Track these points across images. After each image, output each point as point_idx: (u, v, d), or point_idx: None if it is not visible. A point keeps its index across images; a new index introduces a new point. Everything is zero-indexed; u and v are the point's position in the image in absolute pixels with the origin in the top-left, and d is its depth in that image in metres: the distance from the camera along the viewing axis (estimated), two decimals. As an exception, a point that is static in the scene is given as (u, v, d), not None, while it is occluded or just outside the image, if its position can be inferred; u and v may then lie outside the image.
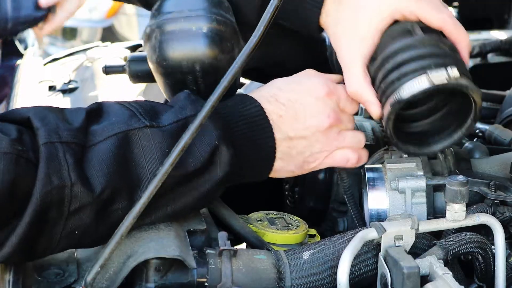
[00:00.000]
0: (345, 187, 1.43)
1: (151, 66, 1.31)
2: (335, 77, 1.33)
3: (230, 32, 1.28)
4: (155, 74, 1.32)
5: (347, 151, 1.30)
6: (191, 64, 1.26)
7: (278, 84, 1.28)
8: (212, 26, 1.26)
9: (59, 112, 1.13)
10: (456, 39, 1.25)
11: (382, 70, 1.23)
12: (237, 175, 1.20)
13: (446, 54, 1.21)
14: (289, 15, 1.31)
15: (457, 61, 1.21)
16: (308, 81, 1.29)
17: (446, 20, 1.25)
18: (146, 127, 1.12)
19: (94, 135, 1.10)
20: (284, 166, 1.26)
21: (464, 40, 1.26)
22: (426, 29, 1.25)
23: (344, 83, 1.30)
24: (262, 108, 1.23)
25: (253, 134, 1.21)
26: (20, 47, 2.45)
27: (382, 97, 1.23)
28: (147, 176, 1.10)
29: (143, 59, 1.35)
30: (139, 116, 1.14)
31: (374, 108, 1.24)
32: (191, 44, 1.26)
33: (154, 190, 1.07)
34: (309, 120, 1.25)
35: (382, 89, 1.23)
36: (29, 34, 3.58)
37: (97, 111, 1.15)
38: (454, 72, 1.16)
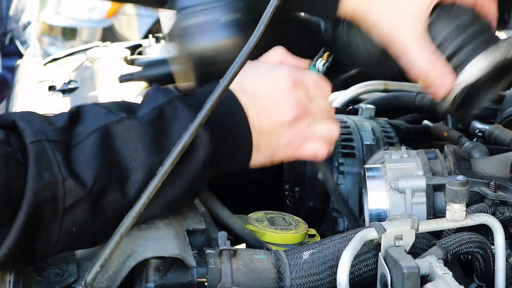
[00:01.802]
0: (330, 187, 1.43)
1: (175, 62, 1.30)
2: (301, 63, 1.32)
3: (251, 20, 1.27)
4: (180, 70, 1.31)
5: (316, 144, 1.28)
6: (214, 55, 1.26)
7: (245, 71, 1.24)
8: (231, 16, 1.26)
9: (43, 116, 1.15)
10: (487, 12, 1.28)
11: (449, 47, 1.24)
12: (219, 158, 1.19)
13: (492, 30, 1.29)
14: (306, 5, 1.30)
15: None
16: (273, 71, 1.27)
17: None
18: (124, 119, 1.14)
19: (77, 135, 1.12)
20: (255, 156, 1.26)
21: (494, 13, 1.31)
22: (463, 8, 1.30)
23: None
24: (235, 95, 1.23)
25: (227, 119, 1.21)
26: (21, 48, 2.45)
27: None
28: (133, 166, 1.11)
29: (158, 63, 1.35)
30: (115, 111, 1.16)
31: (445, 86, 1.25)
32: (211, 36, 1.26)
33: (154, 190, 1.07)
34: (274, 113, 1.24)
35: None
36: (31, 35, 3.58)
37: (77, 114, 1.16)
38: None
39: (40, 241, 1.07)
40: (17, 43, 2.67)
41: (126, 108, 1.18)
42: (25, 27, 3.50)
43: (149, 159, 1.12)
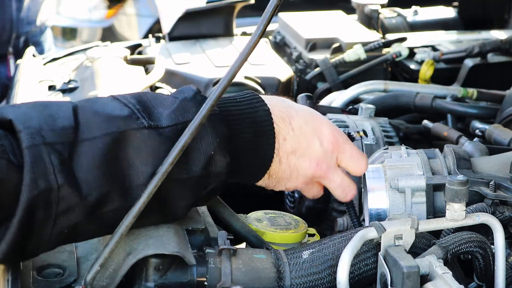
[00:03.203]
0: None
1: None
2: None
3: None
4: None
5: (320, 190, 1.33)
6: None
7: (296, 107, 1.27)
8: None
9: (44, 108, 1.09)
10: None
11: None
12: (233, 179, 1.20)
13: None
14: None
15: None
16: (324, 120, 1.28)
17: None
18: (144, 128, 1.09)
19: (85, 131, 1.07)
20: (264, 180, 1.26)
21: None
22: None
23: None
24: (273, 123, 1.22)
25: (256, 142, 1.21)
26: (35, 51, 2.44)
27: None
28: (139, 179, 1.08)
29: None
30: (138, 115, 1.10)
31: None
32: None
33: (154, 189, 1.07)
34: (302, 159, 1.25)
35: None
36: (46, 38, 3.56)
37: (89, 106, 1.11)
38: None
39: (32, 240, 1.06)
40: (31, 46, 2.63)
41: (149, 109, 1.12)
42: (41, 30, 3.45)
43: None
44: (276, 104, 1.24)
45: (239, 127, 1.19)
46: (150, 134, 1.09)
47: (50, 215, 1.04)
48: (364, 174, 1.36)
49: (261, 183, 1.26)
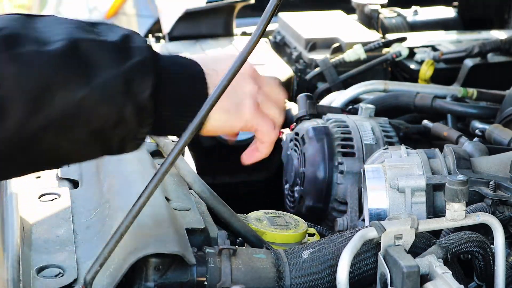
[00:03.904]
0: None
1: None
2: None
3: None
4: None
5: (268, 121, 1.24)
6: None
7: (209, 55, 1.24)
8: None
9: None
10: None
11: None
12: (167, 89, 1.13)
13: None
14: None
15: None
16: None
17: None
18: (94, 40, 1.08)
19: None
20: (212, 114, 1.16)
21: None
22: None
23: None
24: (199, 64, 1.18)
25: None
26: None
27: None
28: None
29: None
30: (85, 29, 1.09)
31: None
32: None
33: (154, 189, 1.07)
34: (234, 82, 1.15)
35: None
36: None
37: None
38: None
39: None
40: None
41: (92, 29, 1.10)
42: None
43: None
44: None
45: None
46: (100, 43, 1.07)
47: None
48: (364, 174, 1.36)
49: (214, 119, 1.18)
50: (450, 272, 1.10)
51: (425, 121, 1.90)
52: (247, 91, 1.21)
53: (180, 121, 1.13)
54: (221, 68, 1.16)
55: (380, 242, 1.15)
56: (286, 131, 1.93)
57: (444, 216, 1.20)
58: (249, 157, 1.26)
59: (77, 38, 1.06)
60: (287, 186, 1.83)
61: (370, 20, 2.73)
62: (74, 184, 1.43)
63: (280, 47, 2.62)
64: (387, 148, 1.49)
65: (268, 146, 1.25)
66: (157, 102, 1.10)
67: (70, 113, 1.03)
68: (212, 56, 1.22)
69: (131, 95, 1.07)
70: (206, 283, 1.13)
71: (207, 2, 2.66)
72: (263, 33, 1.11)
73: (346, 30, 2.56)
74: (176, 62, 1.17)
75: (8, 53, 1.02)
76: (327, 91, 2.29)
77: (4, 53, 1.01)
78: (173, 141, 1.52)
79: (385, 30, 2.70)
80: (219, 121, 1.18)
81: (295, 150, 1.79)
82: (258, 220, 1.35)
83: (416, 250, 1.17)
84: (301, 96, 1.90)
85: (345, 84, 2.29)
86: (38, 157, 1.06)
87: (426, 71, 2.30)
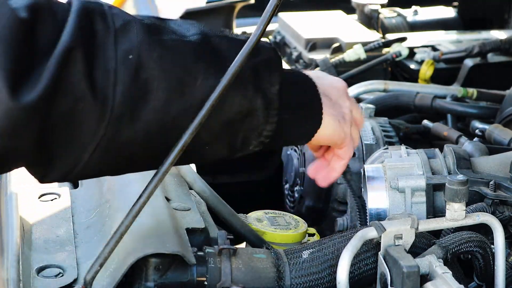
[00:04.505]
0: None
1: None
2: None
3: None
4: None
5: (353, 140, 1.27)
6: None
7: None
8: None
9: None
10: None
11: None
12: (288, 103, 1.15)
13: None
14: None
15: None
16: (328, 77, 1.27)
17: None
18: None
19: None
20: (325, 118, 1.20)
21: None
22: None
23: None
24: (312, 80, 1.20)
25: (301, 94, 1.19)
26: None
27: None
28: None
29: None
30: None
31: None
32: None
33: (154, 189, 1.07)
34: (333, 85, 1.23)
35: None
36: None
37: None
38: None
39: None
40: None
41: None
42: None
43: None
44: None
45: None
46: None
47: (109, 28, 1.01)
48: (364, 174, 1.36)
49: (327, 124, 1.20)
50: (450, 272, 1.10)
51: (425, 121, 1.90)
52: (346, 106, 1.24)
53: (295, 128, 1.17)
54: (322, 83, 1.20)
55: (380, 242, 1.15)
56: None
57: (444, 216, 1.20)
58: (326, 179, 1.28)
59: (208, 33, 1.10)
60: (287, 186, 1.83)
61: (370, 20, 2.73)
62: (74, 184, 1.43)
63: (280, 47, 2.62)
64: (387, 148, 1.49)
65: (345, 165, 1.27)
66: (280, 102, 1.12)
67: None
68: (311, 72, 1.24)
69: (261, 87, 1.10)
70: (206, 283, 1.13)
71: (207, 2, 2.66)
72: (263, 33, 1.10)
73: (346, 30, 2.56)
74: (294, 70, 1.19)
75: (152, 38, 1.04)
76: (327, 91, 2.29)
77: (149, 38, 1.03)
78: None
79: (385, 30, 2.69)
80: (331, 129, 1.20)
81: (295, 150, 1.79)
82: (258, 220, 1.35)
83: (416, 250, 1.17)
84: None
85: (345, 84, 2.29)
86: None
87: (426, 71, 2.30)
